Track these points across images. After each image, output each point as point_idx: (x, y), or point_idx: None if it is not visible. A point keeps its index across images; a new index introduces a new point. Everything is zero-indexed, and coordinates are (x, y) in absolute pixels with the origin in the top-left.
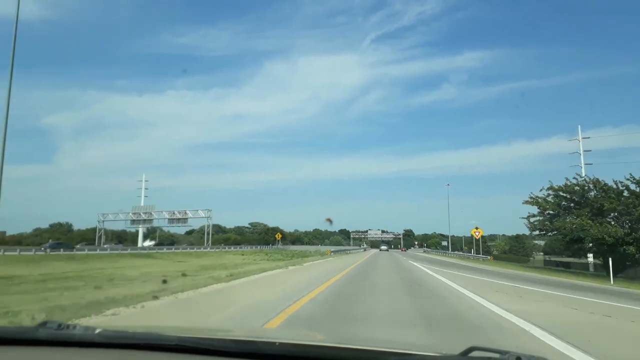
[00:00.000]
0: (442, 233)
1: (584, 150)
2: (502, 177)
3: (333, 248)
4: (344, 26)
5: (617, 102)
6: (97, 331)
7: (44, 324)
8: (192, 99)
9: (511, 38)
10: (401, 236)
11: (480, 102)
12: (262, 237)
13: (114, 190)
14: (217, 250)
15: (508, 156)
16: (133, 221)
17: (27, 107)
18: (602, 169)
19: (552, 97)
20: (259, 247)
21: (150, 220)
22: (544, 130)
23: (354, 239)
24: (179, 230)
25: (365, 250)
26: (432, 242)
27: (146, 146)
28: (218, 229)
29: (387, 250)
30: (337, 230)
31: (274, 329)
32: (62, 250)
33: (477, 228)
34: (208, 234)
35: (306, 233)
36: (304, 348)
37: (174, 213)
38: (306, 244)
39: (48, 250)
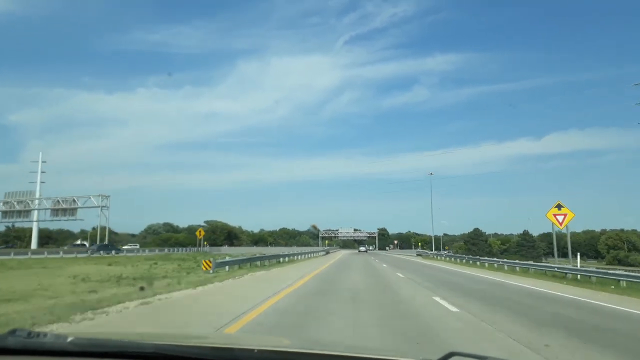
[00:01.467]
0: (417, 232)
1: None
2: (471, 178)
3: (285, 250)
4: (318, 27)
5: (583, 105)
6: (69, 339)
7: (13, 332)
8: (163, 97)
9: (482, 42)
10: (376, 235)
11: (451, 104)
12: (210, 236)
13: (85, 189)
14: (96, 255)
15: (477, 157)
16: (4, 213)
17: None
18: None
19: (521, 100)
20: (188, 249)
21: (28, 212)
22: (512, 132)
23: (324, 238)
24: (72, 226)
25: (327, 253)
26: (416, 240)
27: (115, 145)
28: (170, 227)
29: (366, 251)
30: (306, 230)
31: (251, 336)
32: None
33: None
34: (105, 231)
35: (271, 233)
36: (283, 355)
37: (58, 202)
38: (270, 244)
39: None
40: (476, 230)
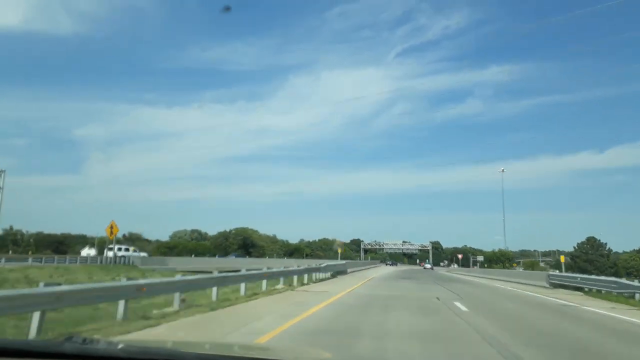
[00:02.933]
0: (473, 247)
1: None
2: (527, 192)
3: (289, 264)
4: (369, 40)
5: None
6: (119, 346)
7: (69, 338)
8: (218, 111)
9: (538, 52)
10: (429, 249)
11: (506, 117)
12: (221, 244)
13: (144, 201)
14: None
15: (534, 171)
16: None
17: (58, 119)
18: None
19: (580, 112)
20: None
21: None
22: (572, 145)
23: (367, 251)
24: None
25: (365, 268)
26: (492, 256)
27: (172, 158)
28: (197, 234)
29: (432, 268)
30: (348, 241)
31: (291, 346)
32: None
33: None
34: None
35: (309, 243)
36: None
37: None
38: (307, 256)
39: None
40: (591, 240)
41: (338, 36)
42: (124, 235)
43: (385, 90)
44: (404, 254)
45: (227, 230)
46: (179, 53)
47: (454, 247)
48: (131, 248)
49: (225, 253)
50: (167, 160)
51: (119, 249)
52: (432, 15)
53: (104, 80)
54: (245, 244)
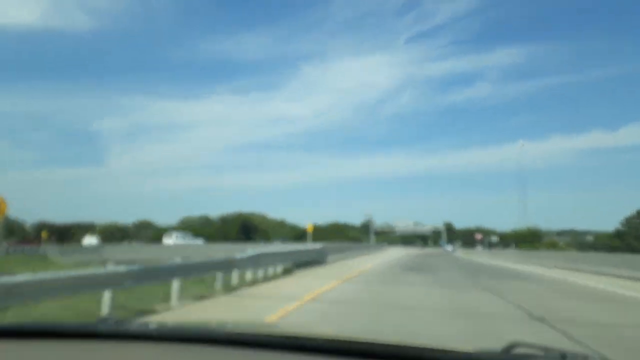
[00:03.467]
0: (485, 227)
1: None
2: (537, 172)
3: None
4: (377, 27)
5: None
6: (152, 326)
7: (104, 320)
8: (232, 102)
9: (547, 32)
10: (442, 230)
11: (516, 98)
12: (220, 228)
13: (162, 189)
14: None
15: (544, 150)
16: None
17: (77, 112)
18: None
19: (590, 91)
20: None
21: None
22: (582, 125)
23: (378, 233)
24: None
25: (362, 254)
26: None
27: (188, 148)
28: (205, 220)
29: (453, 251)
30: (359, 224)
31: (315, 327)
32: None
33: None
34: None
35: (319, 227)
36: (349, 344)
37: None
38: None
39: None
40: None
41: (346, 24)
42: (133, 223)
43: (394, 76)
44: (417, 236)
45: (227, 214)
46: (192, 46)
47: (466, 228)
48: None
49: (224, 238)
50: (183, 150)
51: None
52: (439, 0)
53: (120, 75)
54: (245, 227)
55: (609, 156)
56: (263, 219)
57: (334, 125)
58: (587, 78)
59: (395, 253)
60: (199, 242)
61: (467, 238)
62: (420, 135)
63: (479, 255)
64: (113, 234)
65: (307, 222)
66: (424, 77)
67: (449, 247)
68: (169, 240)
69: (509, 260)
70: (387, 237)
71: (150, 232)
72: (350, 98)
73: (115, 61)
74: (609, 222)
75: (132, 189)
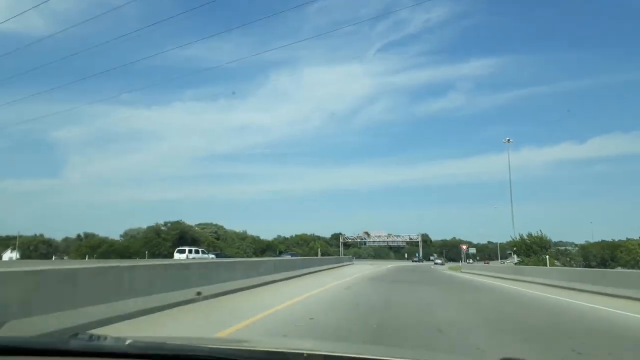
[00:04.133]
0: (462, 239)
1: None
2: (509, 183)
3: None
4: (350, 36)
5: (628, 107)
6: (127, 342)
7: (75, 335)
8: (199, 110)
9: (518, 44)
10: (419, 240)
11: (488, 109)
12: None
13: (123, 201)
14: None
15: (516, 162)
16: None
17: (34, 121)
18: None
19: (561, 103)
20: None
21: None
22: (553, 137)
23: (349, 245)
24: None
25: (302, 274)
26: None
27: (153, 158)
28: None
29: (443, 264)
30: (328, 236)
31: (301, 341)
32: None
33: None
34: None
35: (284, 239)
36: (318, 358)
37: None
38: (281, 253)
39: None
40: None
41: (319, 32)
42: (78, 235)
43: (367, 85)
44: (390, 248)
45: (160, 223)
46: (157, 52)
47: (442, 240)
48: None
49: (152, 253)
50: (147, 160)
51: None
52: (413, 9)
53: (81, 82)
54: (182, 239)
55: (578, 167)
56: (220, 229)
57: (306, 136)
58: (557, 89)
59: (361, 270)
60: (212, 256)
61: (449, 250)
62: (394, 146)
63: (468, 270)
64: (37, 248)
65: (273, 234)
66: (397, 87)
67: (439, 261)
68: (181, 255)
69: (516, 277)
70: (359, 249)
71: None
72: (323, 108)
73: (75, 68)
74: (581, 233)
75: (91, 200)
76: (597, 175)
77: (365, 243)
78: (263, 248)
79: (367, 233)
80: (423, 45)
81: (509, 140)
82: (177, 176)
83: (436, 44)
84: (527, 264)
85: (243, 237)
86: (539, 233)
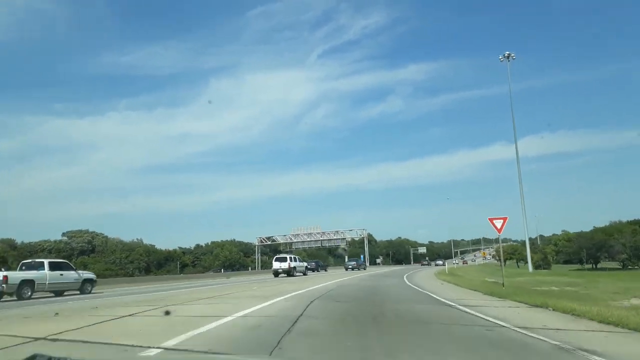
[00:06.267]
0: (408, 238)
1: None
2: (447, 185)
3: None
4: (291, 41)
5: (559, 108)
6: None
7: (32, 357)
8: (136, 119)
9: (451, 49)
10: (364, 238)
11: (425, 113)
12: None
13: (60, 216)
14: None
15: (452, 164)
16: None
17: None
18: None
19: (493, 106)
20: None
21: None
22: (486, 138)
23: (280, 251)
24: None
25: None
26: None
27: (88, 170)
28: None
29: (443, 264)
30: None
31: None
32: None
33: None
34: None
35: (190, 250)
36: None
37: None
38: (184, 267)
39: None
40: None
41: (259, 38)
42: None
43: (309, 91)
44: (329, 251)
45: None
46: (90, 59)
47: (388, 240)
48: None
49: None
50: (82, 173)
51: None
52: (352, 15)
53: (6, 92)
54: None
55: (508, 167)
56: (97, 237)
57: (251, 143)
58: (488, 93)
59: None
60: None
61: (396, 251)
62: (337, 151)
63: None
64: None
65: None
66: (339, 93)
67: (440, 261)
68: None
69: None
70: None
71: None
72: (266, 114)
73: (1, 77)
74: (517, 231)
75: (20, 215)
76: (527, 174)
77: (292, 245)
78: (160, 261)
79: (295, 235)
80: (362, 51)
81: (508, 56)
82: (113, 188)
83: (375, 50)
84: None
85: (132, 247)
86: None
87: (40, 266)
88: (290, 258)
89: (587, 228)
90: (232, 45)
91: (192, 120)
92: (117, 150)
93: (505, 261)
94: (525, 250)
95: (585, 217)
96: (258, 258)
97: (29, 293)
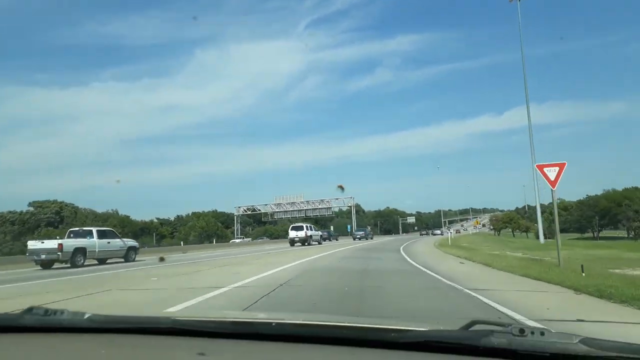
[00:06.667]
0: (396, 208)
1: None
2: (434, 156)
3: None
4: (278, 11)
5: (545, 79)
6: (86, 316)
7: (29, 310)
8: (121, 90)
9: (441, 20)
10: (352, 207)
11: (414, 85)
12: None
13: (45, 189)
14: None
15: (440, 136)
16: None
17: None
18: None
19: (481, 77)
20: None
21: None
22: (475, 110)
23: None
24: None
25: None
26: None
27: (73, 142)
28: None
29: (442, 234)
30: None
31: (268, 312)
32: None
33: None
34: None
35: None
36: (302, 328)
37: None
38: (162, 238)
39: None
40: None
41: (245, 7)
42: None
43: (297, 62)
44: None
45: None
46: (72, 29)
47: (376, 210)
48: None
49: None
50: (66, 144)
51: None
52: None
53: None
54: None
55: (495, 139)
56: (67, 208)
57: (238, 114)
58: (477, 65)
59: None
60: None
61: (384, 221)
62: (327, 123)
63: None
64: None
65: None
66: (327, 64)
67: (438, 231)
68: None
69: None
70: (275, 226)
71: None
72: (253, 85)
73: None
74: (504, 201)
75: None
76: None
77: (274, 214)
78: (135, 232)
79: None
80: (351, 21)
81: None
82: (97, 162)
83: (363, 20)
84: None
85: (105, 217)
86: None
87: (89, 234)
88: (307, 227)
89: (581, 197)
90: (216, 15)
91: (178, 91)
92: (100, 122)
93: (499, 231)
94: (522, 220)
95: (579, 187)
96: (237, 228)
97: (82, 260)
